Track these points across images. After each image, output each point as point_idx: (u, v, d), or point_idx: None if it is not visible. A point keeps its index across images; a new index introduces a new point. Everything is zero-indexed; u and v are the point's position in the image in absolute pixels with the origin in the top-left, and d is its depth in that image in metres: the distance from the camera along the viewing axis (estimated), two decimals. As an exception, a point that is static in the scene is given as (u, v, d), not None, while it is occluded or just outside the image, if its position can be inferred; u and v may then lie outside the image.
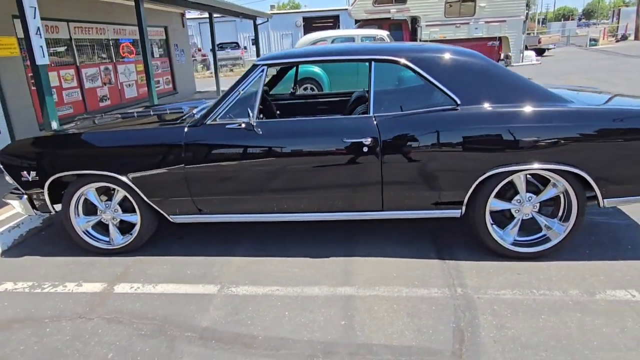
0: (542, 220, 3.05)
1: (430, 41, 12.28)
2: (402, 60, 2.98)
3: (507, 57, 12.19)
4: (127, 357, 2.30)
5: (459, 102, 2.90)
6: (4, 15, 7.49)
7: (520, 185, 2.97)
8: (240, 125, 3.02)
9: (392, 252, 3.24)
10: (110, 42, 10.55)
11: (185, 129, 3.11)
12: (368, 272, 3.00)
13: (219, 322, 2.54)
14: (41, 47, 4.95)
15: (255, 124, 3.00)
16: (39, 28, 4.95)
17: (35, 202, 3.36)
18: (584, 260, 3.01)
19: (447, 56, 3.01)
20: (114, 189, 3.29)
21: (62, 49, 8.90)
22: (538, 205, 3.03)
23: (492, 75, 2.96)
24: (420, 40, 12.24)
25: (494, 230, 3.04)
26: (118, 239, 3.42)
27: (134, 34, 11.53)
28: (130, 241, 3.38)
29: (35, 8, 4.89)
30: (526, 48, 22.94)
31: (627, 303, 2.54)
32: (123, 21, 10.78)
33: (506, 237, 3.08)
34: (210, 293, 2.84)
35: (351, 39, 9.65)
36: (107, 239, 3.44)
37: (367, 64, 3.09)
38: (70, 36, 9.09)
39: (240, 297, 2.78)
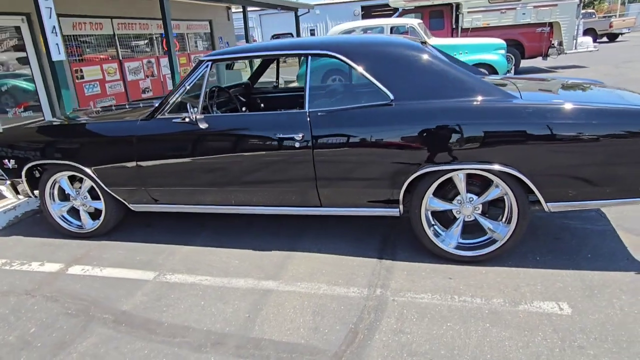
0: (485, 222, 2.88)
1: (472, 29, 11.70)
2: (337, 54, 2.92)
3: (559, 43, 11.28)
4: (46, 333, 2.51)
5: (392, 97, 2.80)
6: (50, 15, 8.16)
7: (460, 185, 2.82)
8: (184, 119, 3.13)
9: (335, 248, 3.22)
10: (154, 36, 11.14)
11: (138, 123, 3.28)
12: (300, 267, 3.01)
13: (138, 307, 2.69)
14: (57, 44, 5.38)
15: (198, 119, 3.09)
16: (54, 27, 5.37)
17: (18, 188, 3.71)
18: (530, 268, 2.81)
19: (382, 49, 2.91)
20: (82, 178, 3.55)
21: (106, 44, 9.54)
22: (481, 206, 2.87)
23: (429, 69, 2.81)
24: (461, 29, 11.68)
25: (431, 231, 2.92)
26: (89, 224, 3.70)
27: (178, 29, 12.10)
28: (97, 226, 3.64)
29: (51, 9, 5.31)
30: (596, 33, 21.21)
31: (548, 316, 2.35)
32: (166, 16, 11.30)
33: (449, 239, 2.95)
34: (145, 279, 3.00)
35: (380, 28, 9.45)
36: (80, 223, 3.73)
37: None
38: (114, 32, 9.73)
39: (170, 285, 2.92)
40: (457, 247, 2.94)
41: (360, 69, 2.87)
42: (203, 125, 3.09)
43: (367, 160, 2.85)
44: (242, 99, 4.23)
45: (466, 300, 2.54)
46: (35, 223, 4.14)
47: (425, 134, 2.71)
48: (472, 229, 2.95)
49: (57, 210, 3.70)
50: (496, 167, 2.64)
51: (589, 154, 2.54)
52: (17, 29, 7.28)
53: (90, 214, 3.70)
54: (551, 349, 2.12)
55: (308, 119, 2.91)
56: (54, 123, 3.80)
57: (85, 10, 8.99)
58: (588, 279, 2.65)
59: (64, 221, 3.72)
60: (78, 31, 8.83)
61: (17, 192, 3.73)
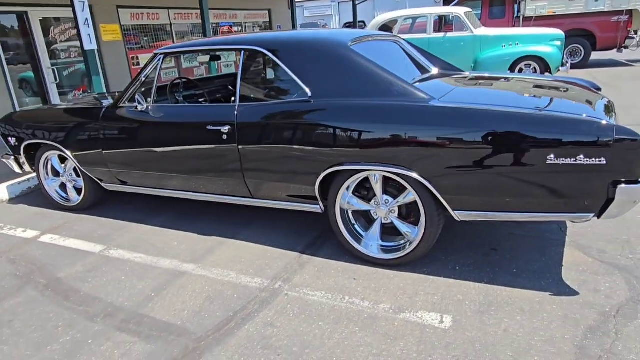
0: (402, 226, 2.80)
1: (536, 18, 10.81)
2: (263, 50, 2.98)
3: (635, 32, 10.02)
4: (-10, 290, 2.92)
5: (309, 94, 2.80)
6: (110, 6, 8.98)
7: (375, 186, 2.77)
8: (136, 108, 3.38)
9: (269, 240, 3.31)
10: (211, 25, 11.71)
11: (103, 110, 3.59)
12: (225, 254, 3.15)
13: (71, 276, 3.01)
14: (89, 35, 5.94)
15: (148, 108, 3.33)
16: (87, 19, 5.94)
17: (21, 163, 4.24)
18: (442, 277, 2.69)
19: (305, 47, 2.91)
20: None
21: (162, 33, 10.25)
22: (397, 209, 2.79)
23: (349, 67, 2.76)
24: (523, 17, 10.80)
25: (346, 230, 2.90)
26: (74, 199, 4.13)
27: (234, 18, 12.61)
28: (79, 201, 4.06)
29: (84, 2, 5.87)
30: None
31: (422, 328, 2.27)
32: (222, 6, 11.84)
33: (369, 240, 2.91)
34: (92, 252, 3.33)
35: (424, 17, 9.12)
36: (67, 197, 4.18)
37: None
38: (170, 22, 10.42)
39: (108, 259, 3.21)
40: (380, 249, 2.89)
41: (283, 65, 2.90)
42: (152, 115, 3.32)
43: (285, 154, 2.89)
44: (217, 88, 4.41)
45: (354, 303, 2.51)
46: (42, 195, 4.69)
47: (335, 132, 2.69)
48: (394, 232, 2.88)
49: (50, 184, 4.18)
50: (401, 170, 2.55)
51: (494, 163, 2.37)
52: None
53: (77, 189, 4.13)
54: (400, 360, 2.06)
55: (235, 112, 3.01)
56: (45, 107, 4.28)
57: (143, 2, 9.73)
58: (493, 295, 2.49)
59: (57, 194, 4.19)
60: (136, 21, 9.59)
61: (21, 167, 4.26)
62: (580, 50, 10.41)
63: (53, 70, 7.71)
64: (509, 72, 8.53)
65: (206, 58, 9.80)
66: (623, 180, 2.18)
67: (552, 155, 2.25)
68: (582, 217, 2.33)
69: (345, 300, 2.54)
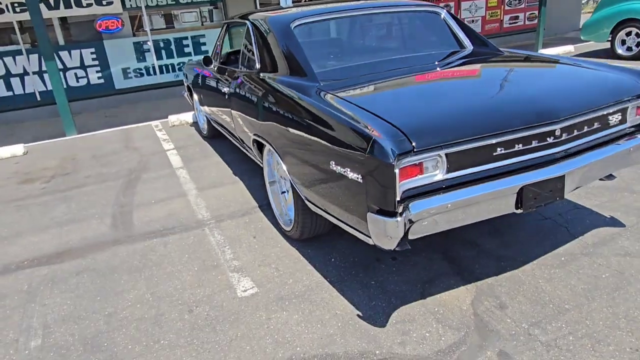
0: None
1: None
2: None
3: None
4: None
5: (258, 66, 3.13)
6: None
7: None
8: (212, 67, 4.36)
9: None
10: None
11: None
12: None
13: None
14: None
15: (212, 68, 4.29)
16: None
17: (189, 97, 5.95)
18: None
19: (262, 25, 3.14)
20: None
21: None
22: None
23: (281, 47, 2.88)
24: None
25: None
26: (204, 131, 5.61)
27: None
28: (206, 131, 5.52)
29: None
30: None
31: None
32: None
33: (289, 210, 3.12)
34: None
35: None
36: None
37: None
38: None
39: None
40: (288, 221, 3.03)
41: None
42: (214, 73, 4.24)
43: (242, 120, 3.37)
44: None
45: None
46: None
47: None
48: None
49: (199, 115, 5.78)
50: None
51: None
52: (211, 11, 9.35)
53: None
54: None
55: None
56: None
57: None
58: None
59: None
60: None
61: (192, 98, 5.94)
62: None
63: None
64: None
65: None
66: (375, 207, 1.81)
67: (333, 162, 2.04)
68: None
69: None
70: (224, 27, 4.26)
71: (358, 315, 2.23)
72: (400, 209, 1.76)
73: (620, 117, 2.28)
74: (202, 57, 4.47)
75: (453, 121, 1.90)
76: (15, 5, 7.61)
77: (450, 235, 2.82)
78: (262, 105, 2.83)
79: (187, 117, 6.45)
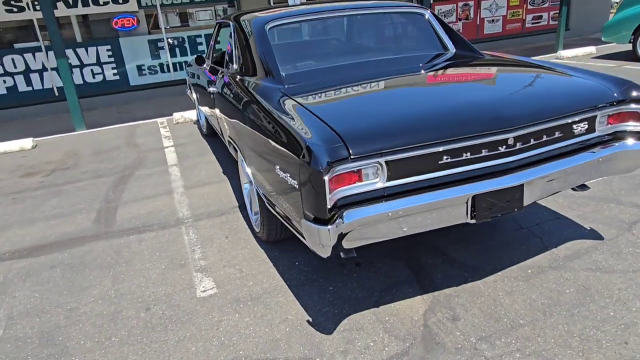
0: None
1: None
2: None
3: None
4: (107, 170, 4.76)
5: (235, 67, 3.14)
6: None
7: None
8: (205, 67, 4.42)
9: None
10: (483, -22, 10.97)
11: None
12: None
13: None
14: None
15: (204, 67, 4.33)
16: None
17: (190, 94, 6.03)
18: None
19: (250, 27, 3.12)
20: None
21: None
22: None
23: (254, 48, 2.87)
24: None
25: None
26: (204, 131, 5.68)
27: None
28: (205, 129, 5.58)
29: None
30: None
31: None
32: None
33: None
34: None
35: None
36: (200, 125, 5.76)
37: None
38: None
39: (164, 171, 4.55)
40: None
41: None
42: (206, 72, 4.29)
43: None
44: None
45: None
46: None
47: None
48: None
49: (200, 113, 5.84)
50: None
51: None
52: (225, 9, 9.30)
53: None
54: None
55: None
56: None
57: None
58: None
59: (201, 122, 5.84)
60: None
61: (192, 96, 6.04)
62: None
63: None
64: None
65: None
66: (310, 214, 1.78)
67: (278, 166, 2.02)
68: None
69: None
70: (217, 27, 4.29)
71: (308, 321, 2.21)
72: (333, 217, 1.73)
73: (586, 126, 2.18)
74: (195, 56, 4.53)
75: (395, 128, 1.86)
76: (35, 3, 7.86)
77: (418, 242, 2.76)
78: (232, 106, 2.84)
79: (192, 114, 6.53)
